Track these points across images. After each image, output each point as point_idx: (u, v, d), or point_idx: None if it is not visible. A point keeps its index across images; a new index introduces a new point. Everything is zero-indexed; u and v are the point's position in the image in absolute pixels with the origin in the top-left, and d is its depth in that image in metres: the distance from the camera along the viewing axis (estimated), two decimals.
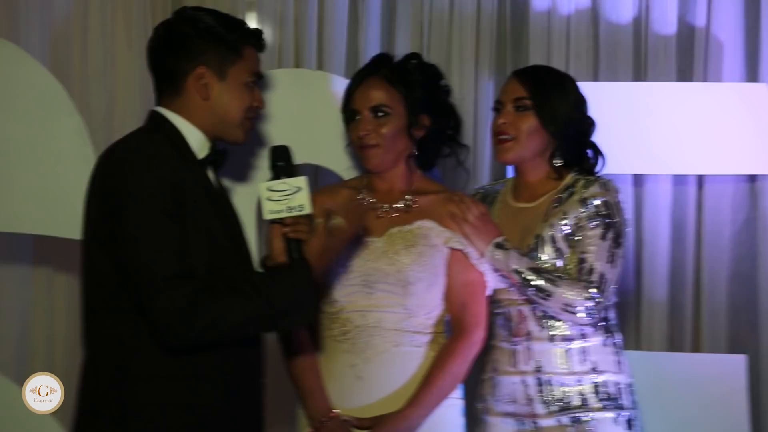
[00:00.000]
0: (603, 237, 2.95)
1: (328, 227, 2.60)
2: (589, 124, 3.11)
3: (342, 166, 3.43)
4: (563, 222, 2.98)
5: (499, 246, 2.96)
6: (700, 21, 3.95)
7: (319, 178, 3.82)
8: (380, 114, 2.99)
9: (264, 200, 2.61)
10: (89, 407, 2.51)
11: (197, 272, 2.41)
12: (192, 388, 2.46)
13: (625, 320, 3.91)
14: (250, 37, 2.64)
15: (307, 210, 2.60)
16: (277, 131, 3.36)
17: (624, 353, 3.06)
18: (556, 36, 3.93)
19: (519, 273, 2.93)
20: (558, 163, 3.07)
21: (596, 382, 2.98)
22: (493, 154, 3.89)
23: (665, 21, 3.93)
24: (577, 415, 2.96)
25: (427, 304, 2.93)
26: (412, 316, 2.92)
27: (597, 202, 2.98)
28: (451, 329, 2.98)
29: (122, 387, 2.45)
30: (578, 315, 2.91)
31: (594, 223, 2.96)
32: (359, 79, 3.05)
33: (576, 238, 2.96)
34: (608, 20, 3.95)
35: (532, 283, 2.92)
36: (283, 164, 2.65)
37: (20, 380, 3.55)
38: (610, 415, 2.96)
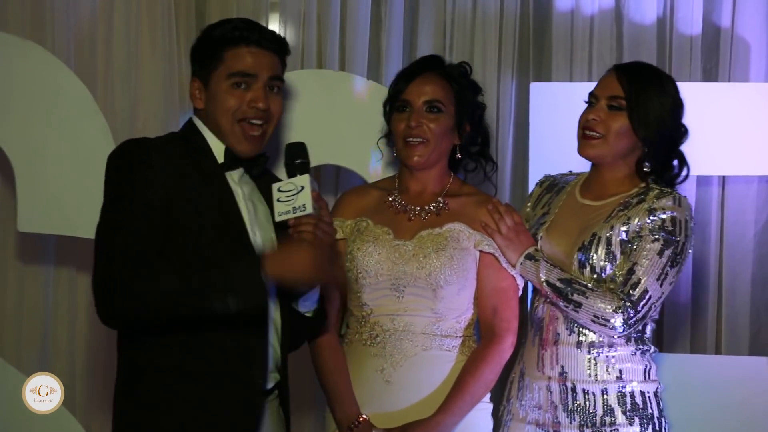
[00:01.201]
0: (660, 253, 2.84)
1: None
2: (682, 133, 3.00)
3: (364, 166, 3.44)
4: (624, 227, 2.88)
5: (530, 257, 2.92)
6: (725, 21, 3.93)
7: (341, 179, 3.82)
8: (434, 110, 2.96)
9: (275, 201, 2.55)
10: (114, 399, 2.55)
11: (148, 254, 2.38)
12: (184, 381, 2.46)
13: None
14: (233, 35, 2.56)
15: (309, 210, 2.52)
16: (299, 132, 3.37)
17: (654, 362, 2.98)
18: (580, 36, 3.92)
19: (550, 284, 2.88)
20: (647, 168, 2.94)
21: (622, 392, 2.91)
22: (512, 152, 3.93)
23: (690, 21, 3.92)
24: (601, 429, 2.89)
25: (457, 308, 2.92)
26: (442, 319, 2.90)
27: (664, 216, 2.86)
28: (481, 334, 2.96)
29: (129, 379, 2.49)
30: (610, 327, 2.83)
31: (655, 236, 2.85)
32: (414, 72, 3.01)
33: (633, 246, 2.86)
34: (632, 20, 3.93)
35: (563, 294, 2.87)
36: (295, 162, 2.58)
37: None
38: (635, 429, 2.89)
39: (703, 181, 3.92)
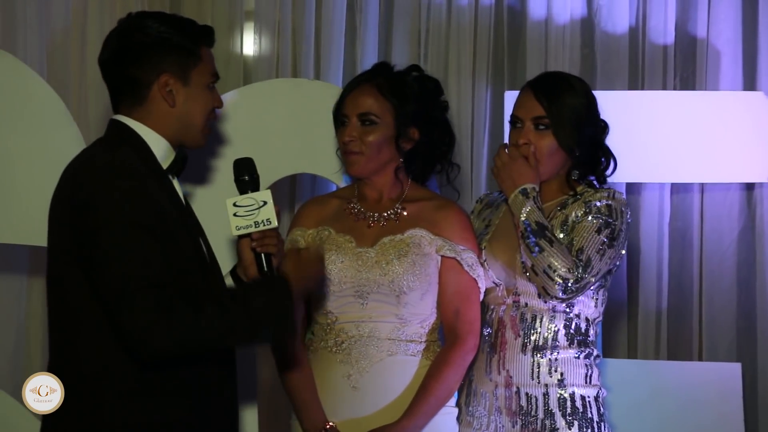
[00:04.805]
0: (598, 231, 2.91)
1: (297, 256, 2.57)
2: (602, 128, 3.06)
3: (338, 175, 3.43)
4: (563, 225, 2.94)
5: (523, 193, 2.93)
6: (699, 30, 3.96)
7: (316, 188, 3.82)
8: (367, 122, 2.97)
9: (230, 216, 2.56)
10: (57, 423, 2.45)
11: (170, 282, 2.34)
12: (164, 406, 2.40)
13: (622, 329, 3.91)
14: (204, 37, 2.57)
15: (274, 224, 2.56)
16: (274, 140, 3.36)
17: (597, 367, 3.00)
18: (553, 45, 3.94)
19: (526, 223, 2.89)
20: (575, 177, 3.02)
21: (562, 395, 2.94)
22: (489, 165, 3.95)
23: (663, 30, 3.95)
24: None
25: (421, 313, 2.93)
26: (406, 325, 2.91)
27: (599, 204, 2.93)
28: (444, 337, 2.98)
29: (90, 403, 2.39)
30: (554, 283, 2.85)
31: (591, 218, 2.92)
32: (353, 85, 3.04)
33: (572, 230, 2.93)
34: (604, 30, 3.96)
35: (534, 234, 2.88)
36: (247, 178, 2.60)
37: (17, 391, 3.55)
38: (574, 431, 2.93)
39: (682, 188, 3.95)
